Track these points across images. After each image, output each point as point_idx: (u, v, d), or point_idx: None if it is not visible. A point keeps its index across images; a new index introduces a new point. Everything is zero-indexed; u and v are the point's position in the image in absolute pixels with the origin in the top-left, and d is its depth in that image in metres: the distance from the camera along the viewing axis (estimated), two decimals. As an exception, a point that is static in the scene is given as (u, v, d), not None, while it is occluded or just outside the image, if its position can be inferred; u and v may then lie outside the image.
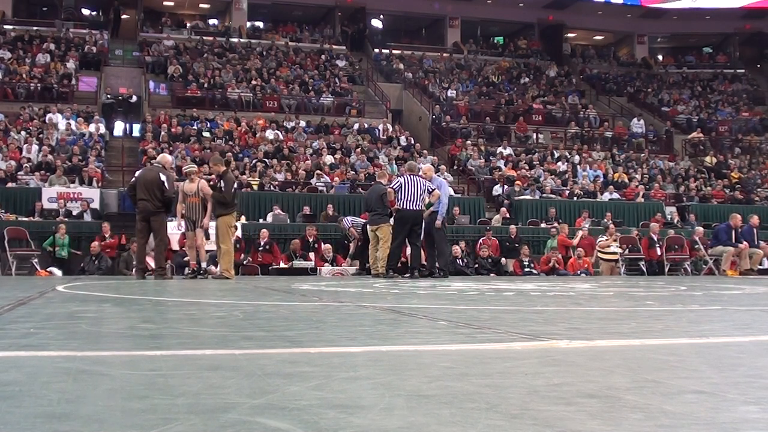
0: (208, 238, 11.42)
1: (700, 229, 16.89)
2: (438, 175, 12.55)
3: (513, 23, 35.39)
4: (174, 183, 10.85)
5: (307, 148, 20.75)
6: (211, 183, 10.93)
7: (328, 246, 14.57)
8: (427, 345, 2.70)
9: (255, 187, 17.38)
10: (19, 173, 16.71)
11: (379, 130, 23.47)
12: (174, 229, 12.08)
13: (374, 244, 11.93)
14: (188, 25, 31.10)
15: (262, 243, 14.35)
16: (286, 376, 1.89)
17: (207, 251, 11.75)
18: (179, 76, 24.70)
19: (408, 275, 11.26)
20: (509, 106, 27.24)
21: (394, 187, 11.05)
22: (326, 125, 23.29)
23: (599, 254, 15.92)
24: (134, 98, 23.96)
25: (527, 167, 21.66)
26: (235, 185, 10.61)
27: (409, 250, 11.69)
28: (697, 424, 1.38)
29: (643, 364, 2.24)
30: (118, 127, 23.66)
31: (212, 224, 11.21)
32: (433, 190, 11.42)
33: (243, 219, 15.24)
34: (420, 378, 1.88)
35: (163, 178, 10.23)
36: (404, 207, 10.83)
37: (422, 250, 11.69)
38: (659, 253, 16.09)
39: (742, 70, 34.70)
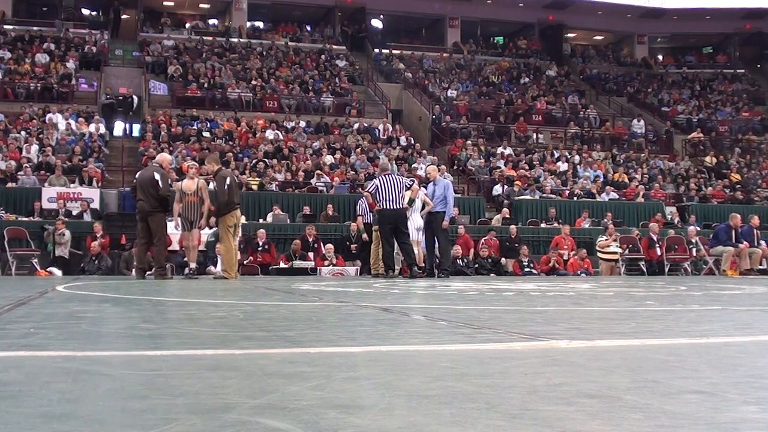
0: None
1: (692, 228, 16.92)
2: (440, 176, 12.49)
3: (513, 23, 35.39)
4: (169, 182, 10.80)
5: (307, 148, 20.75)
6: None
7: (330, 246, 14.56)
8: (427, 345, 2.70)
9: (255, 187, 17.37)
10: (19, 173, 16.70)
11: (379, 130, 23.47)
12: (174, 229, 12.06)
13: (376, 244, 11.91)
14: (188, 25, 31.11)
15: (260, 243, 14.36)
16: (286, 376, 1.89)
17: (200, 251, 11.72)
18: (179, 76, 24.70)
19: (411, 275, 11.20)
20: (509, 106, 27.24)
21: (370, 190, 11.01)
22: (326, 125, 23.30)
23: (599, 254, 15.92)
24: (135, 99, 23.93)
25: (527, 167, 21.66)
26: (228, 183, 10.46)
27: (416, 250, 11.59)
28: (697, 424, 1.38)
29: (643, 364, 2.24)
30: (118, 127, 23.65)
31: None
32: (412, 185, 11.39)
33: (243, 219, 15.23)
34: (420, 378, 1.87)
35: (157, 177, 10.16)
36: (384, 207, 10.79)
37: (419, 249, 11.65)
38: (659, 253, 16.09)
39: (742, 70, 34.70)
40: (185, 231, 10.85)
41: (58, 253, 13.69)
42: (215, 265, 12.84)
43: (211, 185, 10.97)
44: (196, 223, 10.69)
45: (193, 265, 10.95)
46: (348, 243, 15.01)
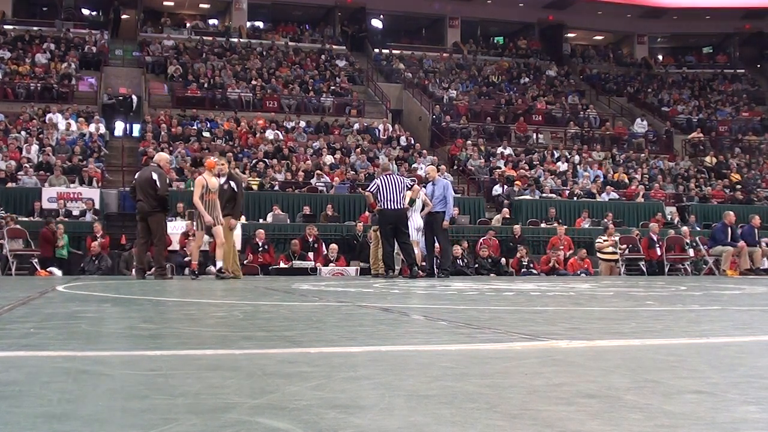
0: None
1: (685, 229, 16.93)
2: (439, 176, 12.49)
3: (513, 23, 35.39)
4: (167, 181, 10.73)
5: (307, 148, 20.75)
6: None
7: (334, 246, 14.55)
8: (427, 345, 2.70)
9: (255, 187, 17.37)
10: (19, 173, 16.71)
11: (379, 130, 23.47)
12: (174, 229, 12.01)
13: (376, 244, 11.91)
14: (188, 25, 31.10)
15: (259, 243, 14.36)
16: (286, 376, 1.89)
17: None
18: (179, 76, 24.70)
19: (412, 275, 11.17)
20: (509, 106, 27.24)
21: (371, 190, 11.00)
22: (326, 125, 23.30)
23: (599, 254, 15.93)
24: (134, 99, 23.93)
25: (527, 167, 21.66)
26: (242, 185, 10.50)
27: (417, 251, 11.58)
28: (697, 424, 1.38)
29: (643, 364, 2.24)
30: (118, 127, 23.67)
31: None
32: (413, 185, 11.38)
33: (243, 219, 15.23)
34: (420, 378, 1.88)
35: (155, 177, 10.11)
36: (385, 207, 10.78)
37: (417, 249, 11.64)
38: (659, 253, 16.08)
39: (742, 70, 34.70)
40: (200, 230, 10.37)
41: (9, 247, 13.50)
42: (215, 265, 12.82)
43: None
44: (217, 222, 10.22)
45: (194, 262, 10.55)
46: (355, 242, 15.03)
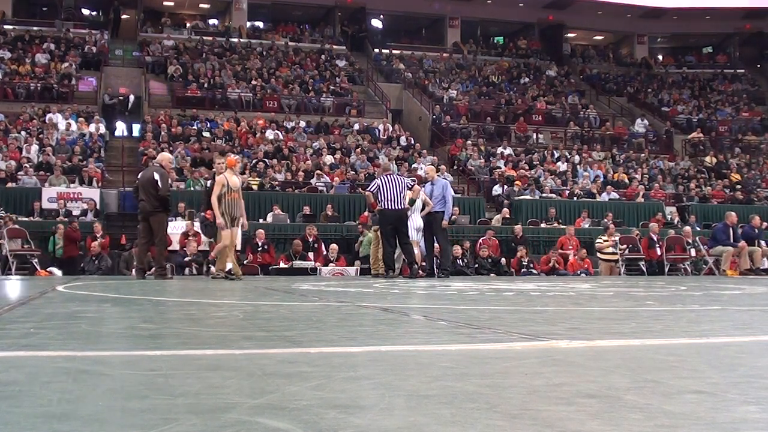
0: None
1: (687, 229, 16.93)
2: (438, 176, 12.50)
3: (513, 23, 35.38)
4: (169, 181, 10.73)
5: (307, 148, 20.75)
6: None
7: (334, 246, 14.55)
8: (427, 345, 2.70)
9: (255, 187, 17.36)
10: (19, 173, 16.70)
11: (379, 130, 23.47)
12: (174, 229, 12.01)
13: (376, 244, 11.90)
14: (188, 25, 31.11)
15: (259, 243, 14.35)
16: (286, 376, 1.89)
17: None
18: (179, 76, 24.70)
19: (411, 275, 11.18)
20: (509, 106, 27.23)
21: (372, 190, 10.99)
22: (326, 125, 23.30)
23: (599, 254, 15.92)
24: (131, 98, 23.93)
25: (527, 167, 21.66)
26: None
27: (417, 251, 11.58)
28: (697, 424, 1.38)
29: (643, 364, 2.24)
30: (119, 127, 23.66)
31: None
32: (413, 185, 11.39)
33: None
34: (420, 378, 1.88)
35: (156, 177, 10.11)
36: (386, 207, 10.78)
37: (418, 249, 11.64)
38: (659, 253, 16.08)
39: (742, 70, 34.69)
40: (221, 229, 10.05)
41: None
42: (215, 265, 12.82)
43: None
44: (238, 221, 10.08)
45: (229, 265, 10.19)
46: (360, 241, 15.04)
